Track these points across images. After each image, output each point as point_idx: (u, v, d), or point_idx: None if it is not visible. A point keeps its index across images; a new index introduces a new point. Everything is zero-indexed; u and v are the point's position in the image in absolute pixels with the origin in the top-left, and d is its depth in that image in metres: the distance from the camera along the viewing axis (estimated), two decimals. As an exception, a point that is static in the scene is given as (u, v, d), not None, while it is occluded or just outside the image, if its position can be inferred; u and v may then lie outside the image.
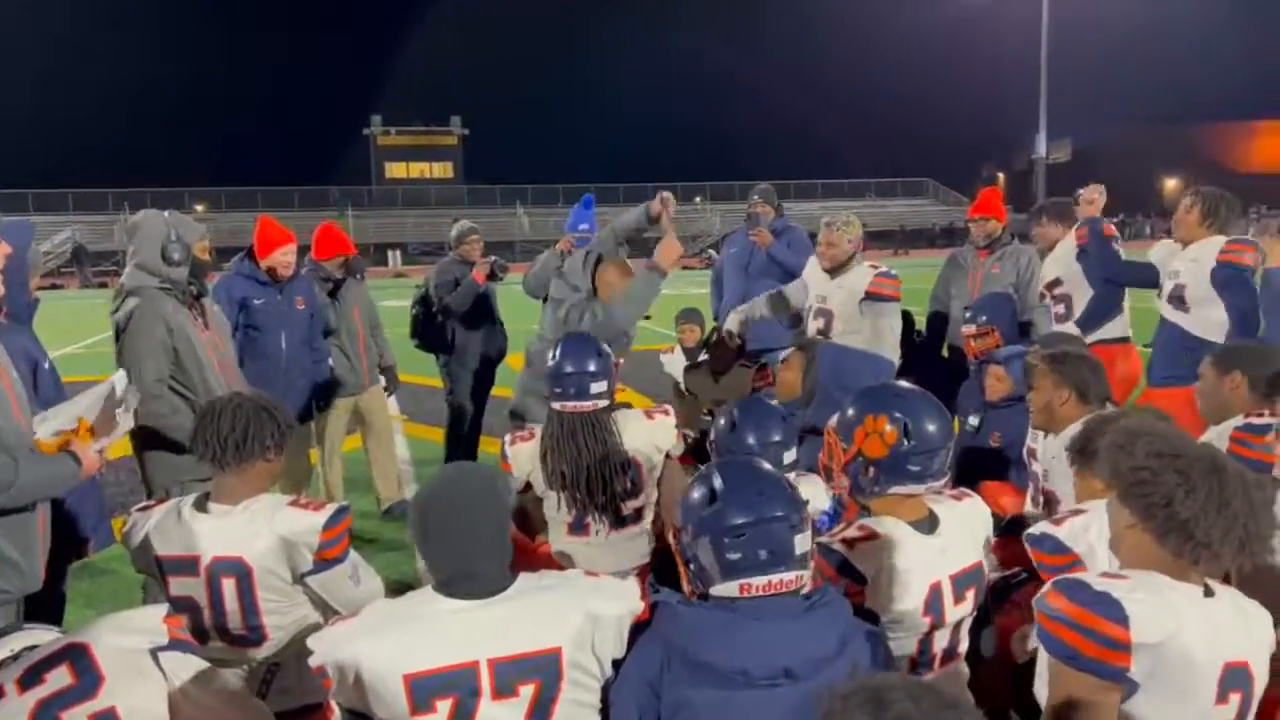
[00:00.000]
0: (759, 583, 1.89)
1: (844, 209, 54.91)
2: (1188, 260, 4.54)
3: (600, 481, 3.19)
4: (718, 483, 1.97)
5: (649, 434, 3.30)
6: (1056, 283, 5.13)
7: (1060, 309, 5.10)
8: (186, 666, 1.75)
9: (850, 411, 2.47)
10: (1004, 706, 2.73)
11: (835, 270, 4.92)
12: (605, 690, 2.00)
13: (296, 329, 5.18)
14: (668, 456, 3.35)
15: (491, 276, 6.21)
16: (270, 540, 2.51)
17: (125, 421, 2.88)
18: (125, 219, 47.34)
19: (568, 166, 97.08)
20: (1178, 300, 4.57)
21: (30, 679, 1.56)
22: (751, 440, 3.05)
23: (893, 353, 4.76)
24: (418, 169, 69.78)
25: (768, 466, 2.10)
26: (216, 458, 2.57)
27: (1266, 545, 1.79)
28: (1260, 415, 2.96)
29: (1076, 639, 1.72)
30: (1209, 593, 1.82)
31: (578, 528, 3.27)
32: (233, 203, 54.81)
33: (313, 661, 1.96)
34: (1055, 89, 47.92)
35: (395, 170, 69.08)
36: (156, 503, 2.72)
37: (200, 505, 2.61)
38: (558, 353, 3.27)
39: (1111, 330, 4.94)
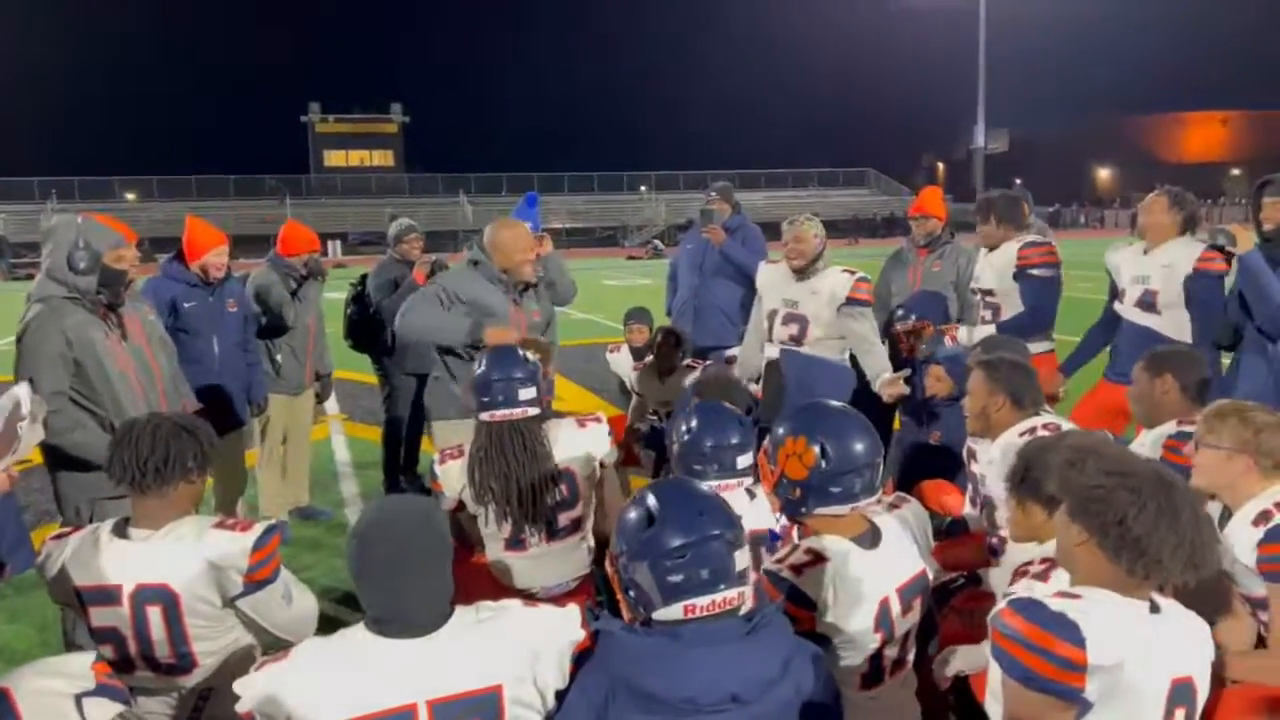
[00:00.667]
0: (703, 603, 1.86)
1: (788, 199, 55.21)
2: (1159, 266, 4.51)
3: (532, 494, 3.09)
4: (653, 504, 1.93)
5: (582, 443, 3.23)
6: (989, 292, 5.14)
7: (987, 314, 5.14)
8: (111, 714, 1.68)
9: (779, 432, 2.46)
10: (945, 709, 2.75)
11: (804, 272, 4.79)
12: None
13: (230, 332, 5.02)
14: (603, 465, 3.28)
15: (431, 275, 6.07)
16: (197, 565, 2.40)
17: (33, 435, 2.69)
18: (52, 208, 46.00)
19: (511, 155, 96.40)
20: (1147, 305, 4.56)
21: None
22: (709, 443, 2.96)
23: (884, 355, 4.75)
24: (357, 157, 68.71)
25: (700, 485, 2.08)
26: (135, 481, 2.45)
27: (1212, 559, 1.80)
28: (1192, 422, 3.01)
29: (1033, 659, 1.71)
30: (1155, 608, 1.83)
31: (514, 543, 3.17)
32: (166, 191, 53.37)
33: (240, 708, 1.88)
34: (993, 81, 48.80)
35: (334, 158, 67.93)
36: (72, 530, 2.58)
37: (120, 531, 2.49)
38: (483, 362, 3.18)
39: (1043, 344, 4.98)
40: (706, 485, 2.19)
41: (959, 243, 5.73)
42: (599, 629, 1.94)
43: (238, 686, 1.90)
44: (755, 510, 2.80)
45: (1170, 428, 3.10)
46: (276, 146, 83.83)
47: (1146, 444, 3.15)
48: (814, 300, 4.74)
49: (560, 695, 1.95)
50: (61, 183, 50.49)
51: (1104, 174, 74.19)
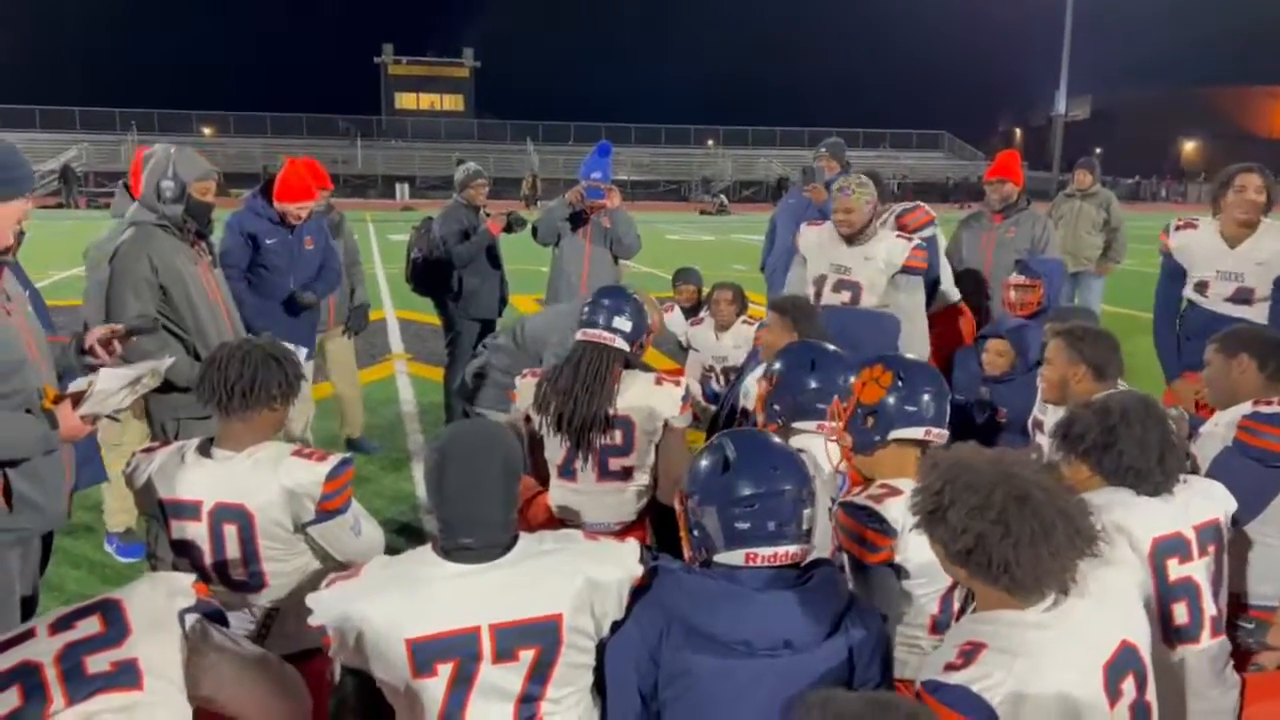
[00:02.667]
0: (765, 553, 1.92)
1: (858, 159, 54.29)
2: (1253, 264, 4.23)
3: (583, 422, 3.17)
4: (731, 452, 1.99)
5: (650, 397, 3.26)
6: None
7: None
8: (206, 633, 1.84)
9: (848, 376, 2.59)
10: None
11: (855, 238, 4.60)
12: (600, 648, 2.02)
13: (304, 270, 5.17)
14: (669, 427, 3.28)
15: (508, 229, 6.16)
16: (273, 489, 2.50)
17: (120, 400, 2.80)
18: (133, 139, 47.01)
19: (580, 105, 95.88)
20: (1242, 300, 4.30)
21: (61, 625, 1.65)
22: (814, 384, 2.98)
23: (925, 334, 4.69)
24: (428, 100, 68.93)
25: (779, 440, 2.13)
26: (222, 404, 2.55)
27: (1092, 536, 1.78)
28: (1269, 403, 2.95)
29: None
30: (1057, 603, 1.78)
31: (566, 471, 3.27)
32: (241, 128, 54.27)
33: (312, 620, 1.98)
34: (1077, 46, 47.11)
35: (405, 101, 68.24)
36: (160, 444, 2.72)
37: (204, 450, 2.60)
38: (601, 290, 3.41)
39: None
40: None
41: (1034, 209, 5.63)
42: (658, 566, 2.00)
43: (310, 600, 2.00)
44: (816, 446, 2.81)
45: (1245, 408, 3.05)
46: (349, 87, 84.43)
47: (1221, 425, 3.09)
48: (868, 267, 4.56)
49: (615, 626, 2.01)
50: (141, 115, 51.51)
51: (1189, 146, 71.58)
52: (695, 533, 2.02)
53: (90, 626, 1.65)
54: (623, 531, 3.29)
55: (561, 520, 3.25)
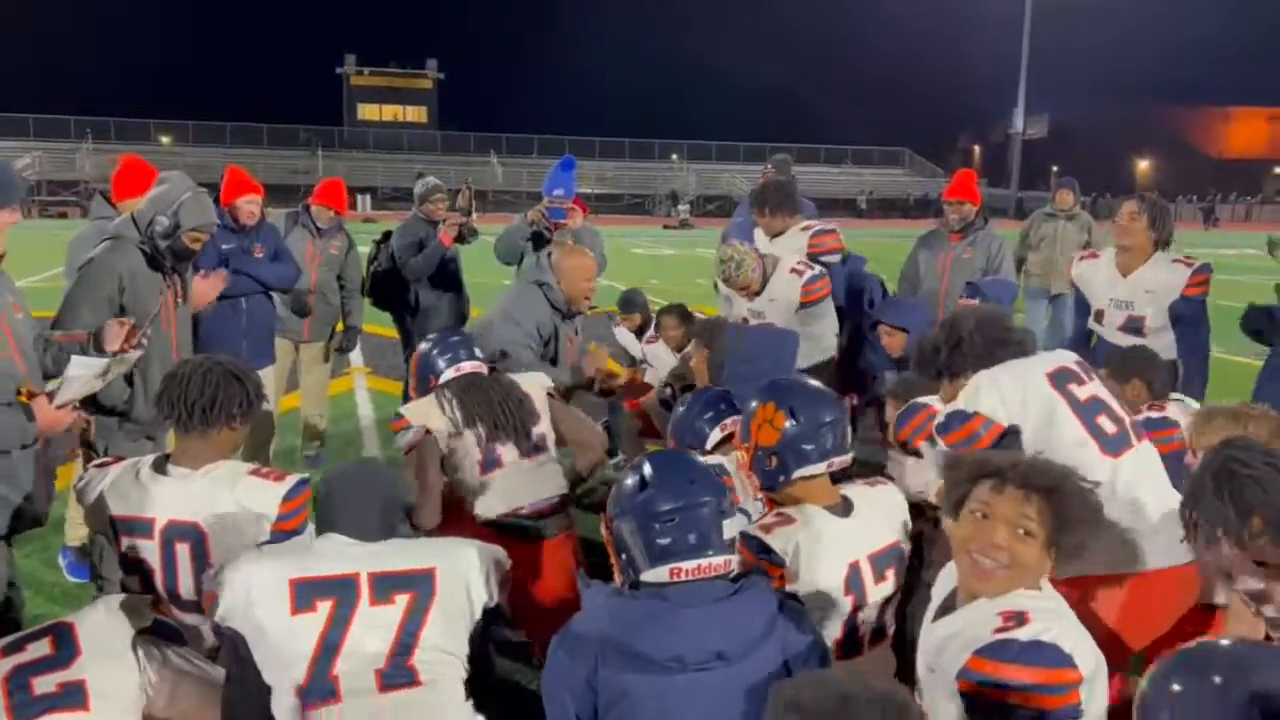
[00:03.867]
0: (689, 566, 1.95)
1: (821, 175, 54.51)
2: (1142, 291, 4.36)
3: (515, 405, 3.40)
4: (648, 471, 2.04)
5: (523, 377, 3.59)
6: None
7: None
8: (164, 658, 1.90)
9: (746, 411, 2.63)
10: None
11: (757, 293, 4.76)
12: (473, 638, 2.22)
13: (260, 276, 5.17)
14: (551, 395, 3.58)
15: (460, 239, 6.04)
16: (229, 508, 2.47)
17: (92, 386, 2.86)
18: (88, 147, 46.34)
19: (544, 117, 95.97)
20: (1133, 330, 4.40)
21: (12, 648, 1.72)
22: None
23: (832, 347, 4.84)
24: (391, 111, 68.69)
25: (696, 457, 2.23)
26: (182, 420, 2.53)
27: None
28: (1158, 407, 3.26)
29: None
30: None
31: (489, 464, 3.36)
32: (200, 137, 53.75)
33: (206, 584, 2.13)
34: (1035, 64, 48.05)
35: (368, 112, 67.97)
36: (114, 460, 2.68)
37: (159, 467, 2.57)
38: (432, 338, 3.68)
39: None
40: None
41: (991, 229, 5.69)
42: (587, 592, 2.01)
43: (209, 583, 2.13)
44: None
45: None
46: (311, 97, 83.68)
47: None
48: (773, 307, 4.73)
49: (490, 613, 2.26)
50: (97, 123, 50.81)
51: (1143, 165, 73.07)
52: (621, 555, 2.04)
53: (40, 649, 1.70)
54: (558, 502, 3.42)
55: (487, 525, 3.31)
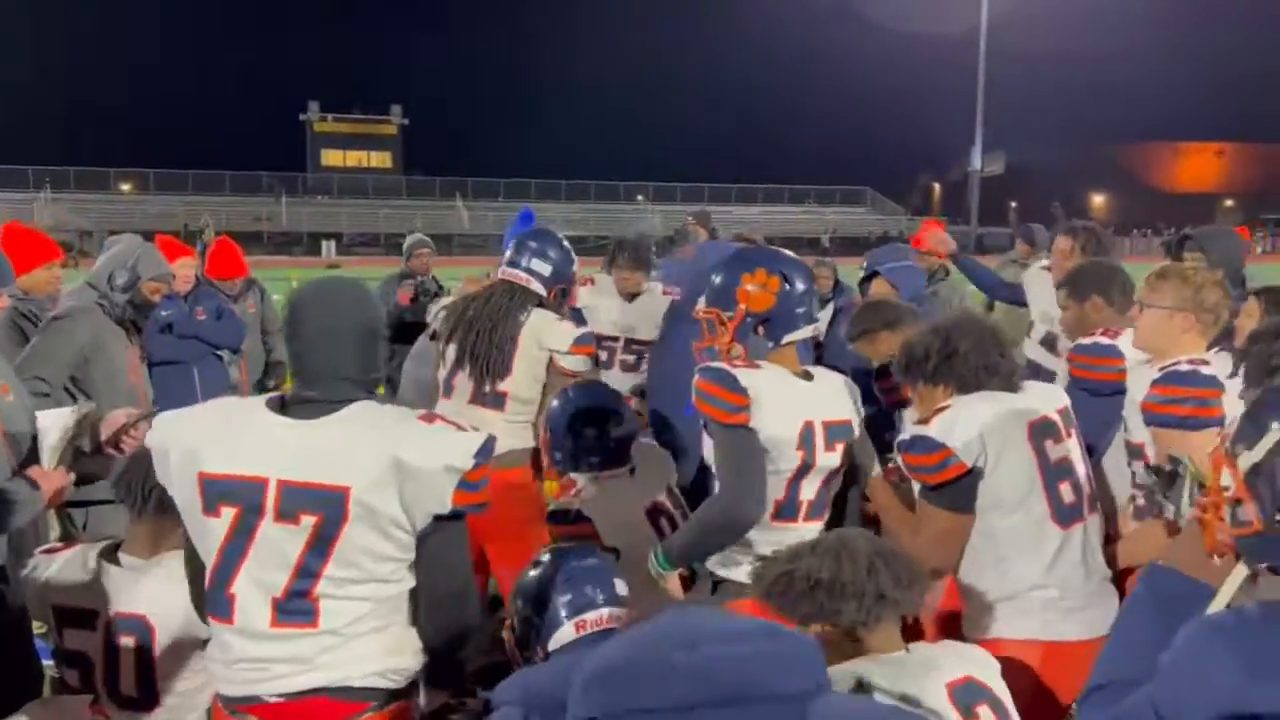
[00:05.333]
0: (591, 618, 2.03)
1: (785, 215, 55.23)
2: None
3: (478, 340, 3.33)
4: (545, 558, 2.17)
5: (541, 324, 3.39)
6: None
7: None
8: None
9: (719, 281, 2.57)
10: None
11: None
12: (421, 540, 1.92)
13: (206, 338, 5.22)
14: (556, 365, 3.36)
15: (414, 300, 6.00)
16: (179, 603, 2.27)
17: (66, 435, 2.78)
18: (46, 197, 45.81)
19: (509, 161, 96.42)
20: (1049, 345, 4.36)
21: None
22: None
23: None
24: (355, 158, 68.59)
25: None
26: (135, 505, 2.39)
27: (911, 598, 1.88)
28: (1111, 332, 3.06)
29: None
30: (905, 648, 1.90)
31: (447, 388, 3.41)
32: (161, 185, 53.26)
33: (148, 441, 2.03)
34: (991, 103, 49.06)
35: (332, 158, 67.78)
36: (63, 546, 2.54)
37: (109, 555, 2.42)
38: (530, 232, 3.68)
39: None
40: None
41: (952, 281, 5.76)
42: (494, 698, 1.97)
43: (153, 423, 2.05)
44: None
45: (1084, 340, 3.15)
46: (274, 144, 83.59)
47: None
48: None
49: (441, 518, 1.90)
50: (55, 172, 50.28)
51: (1098, 200, 74.56)
52: (531, 636, 2.09)
53: None
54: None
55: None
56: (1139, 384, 2.71)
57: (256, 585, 1.89)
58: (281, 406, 1.96)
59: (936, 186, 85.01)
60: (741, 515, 2.44)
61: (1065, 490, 2.48)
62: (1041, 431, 2.46)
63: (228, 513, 1.88)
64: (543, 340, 3.36)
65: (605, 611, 2.04)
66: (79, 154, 60.18)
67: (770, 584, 1.91)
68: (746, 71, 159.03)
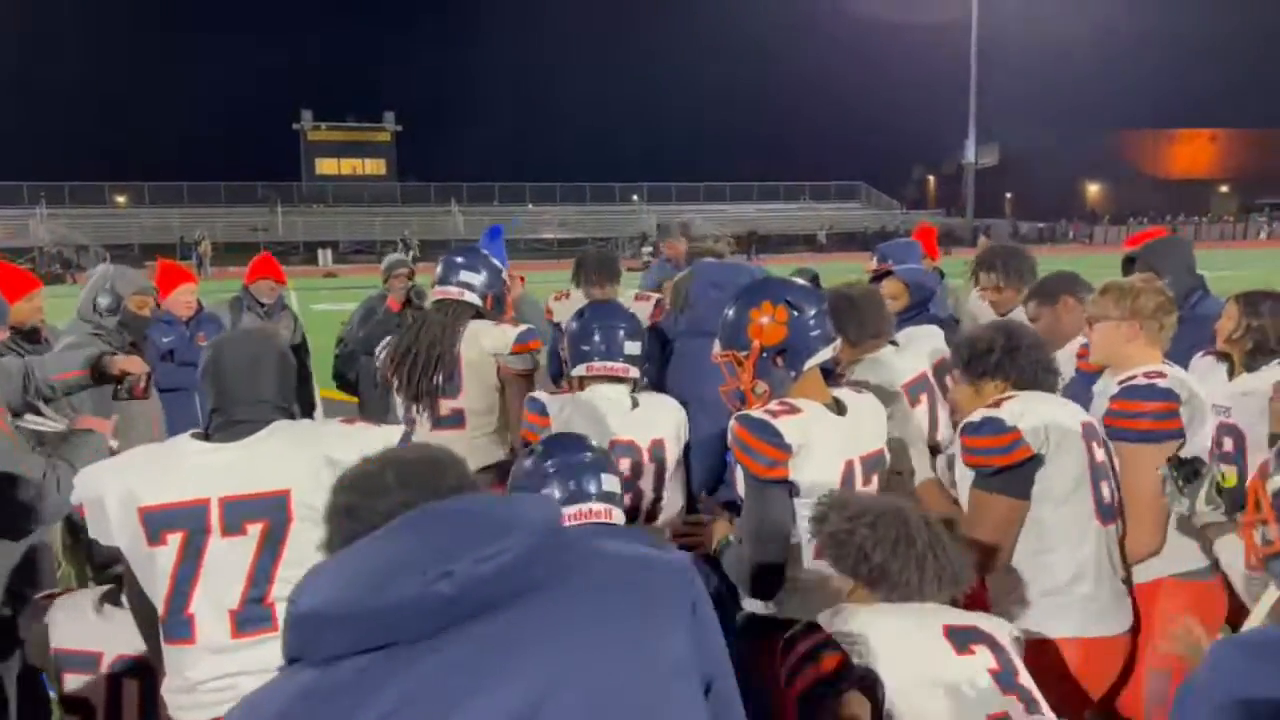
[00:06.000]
0: (570, 511, 2.09)
1: (780, 212, 55.06)
2: None
3: (420, 367, 3.31)
4: (540, 448, 2.24)
5: (480, 333, 3.39)
6: None
7: None
8: None
9: (729, 321, 2.55)
10: None
11: None
12: None
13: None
14: (504, 369, 3.38)
15: (408, 304, 5.71)
16: None
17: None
18: (42, 213, 45.80)
19: (504, 165, 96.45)
20: None
21: None
22: (598, 335, 3.02)
23: None
24: (349, 165, 68.63)
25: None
26: None
27: (960, 574, 2.02)
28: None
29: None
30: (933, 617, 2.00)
31: (408, 424, 3.37)
32: (156, 198, 53.23)
33: (73, 499, 2.07)
34: (984, 94, 49.07)
35: (326, 166, 67.84)
36: (62, 592, 2.56)
37: (111, 598, 2.43)
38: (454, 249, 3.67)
39: None
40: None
41: (945, 285, 5.75)
42: None
43: (76, 479, 2.08)
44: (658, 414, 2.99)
45: (1080, 340, 3.24)
46: (268, 153, 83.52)
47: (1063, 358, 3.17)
48: None
49: None
50: (52, 188, 50.26)
51: (1094, 189, 74.56)
52: None
53: None
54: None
55: None
56: (1100, 397, 2.81)
57: (213, 601, 1.98)
58: (205, 437, 2.10)
59: (931, 180, 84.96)
60: (761, 581, 2.42)
61: (1105, 490, 2.58)
62: (1089, 432, 2.58)
63: (173, 539, 1.98)
64: (484, 345, 3.36)
65: (596, 505, 2.11)
66: (74, 169, 60.03)
67: (828, 535, 2.07)
68: (739, 69, 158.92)
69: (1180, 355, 3.05)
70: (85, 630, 2.37)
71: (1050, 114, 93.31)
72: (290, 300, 6.03)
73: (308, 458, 2.03)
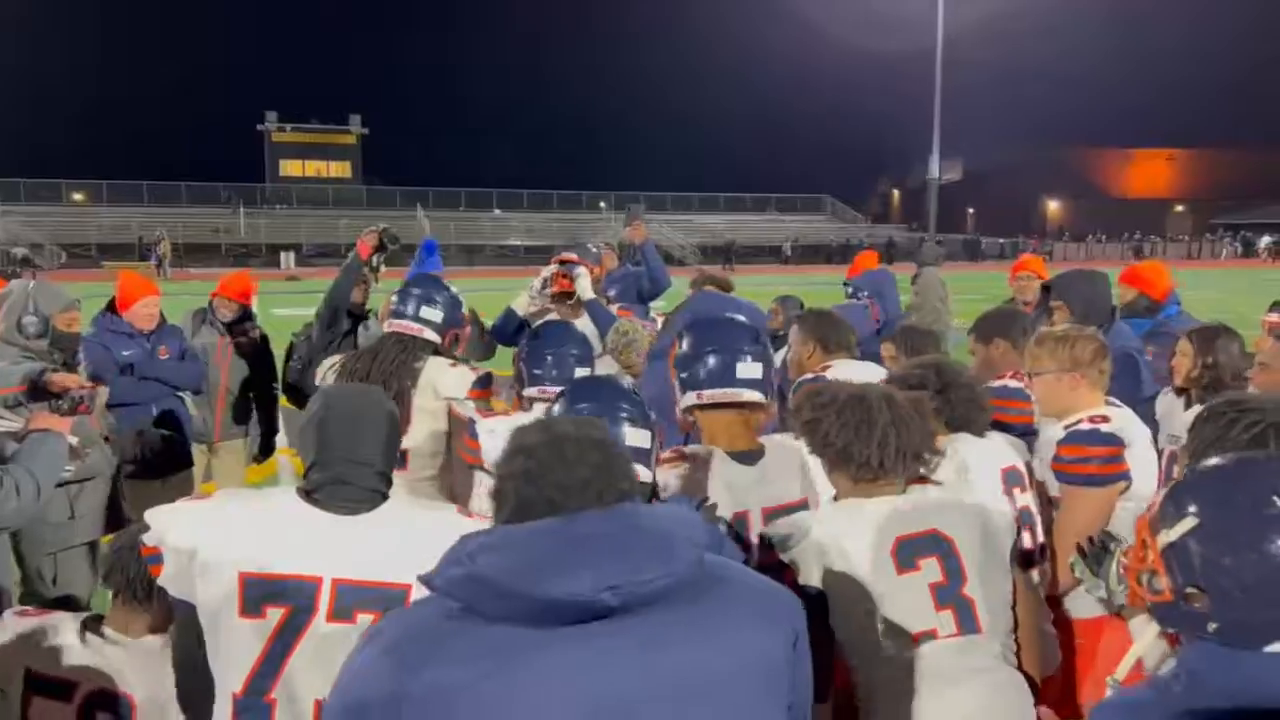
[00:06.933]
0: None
1: (746, 223, 55.22)
2: None
3: None
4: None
5: (436, 373, 3.30)
6: None
7: None
8: None
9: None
10: None
11: None
12: None
13: (168, 379, 5.00)
14: (455, 414, 3.30)
15: (380, 248, 5.03)
16: (168, 686, 2.18)
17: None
18: (-4, 210, 44.84)
19: (470, 170, 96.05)
20: None
21: None
22: (550, 358, 3.16)
23: None
24: (314, 168, 67.88)
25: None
26: (126, 591, 2.31)
27: (924, 455, 2.16)
28: (1018, 375, 3.21)
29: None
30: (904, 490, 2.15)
31: None
32: (115, 196, 52.24)
33: (148, 539, 1.88)
34: (948, 111, 49.58)
35: (290, 168, 67.02)
36: (37, 611, 2.41)
37: (92, 627, 2.31)
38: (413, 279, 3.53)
39: None
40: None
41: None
42: None
43: (149, 516, 1.89)
44: None
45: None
46: (231, 154, 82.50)
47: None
48: None
49: None
50: (5, 185, 49.23)
51: (1054, 206, 75.67)
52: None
53: None
54: None
55: None
56: (1046, 442, 2.87)
57: (302, 688, 1.82)
58: (308, 496, 1.92)
59: (895, 194, 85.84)
60: None
61: (1025, 537, 2.68)
62: (1013, 478, 2.74)
63: (274, 613, 1.81)
64: (439, 389, 3.28)
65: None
66: (29, 165, 58.91)
67: (802, 425, 2.20)
68: (707, 81, 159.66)
69: None
70: (64, 657, 2.24)
71: (1013, 132, 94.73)
72: (251, 304, 5.81)
73: (431, 553, 1.80)
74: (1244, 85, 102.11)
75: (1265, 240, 54.00)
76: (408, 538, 1.88)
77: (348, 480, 1.91)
